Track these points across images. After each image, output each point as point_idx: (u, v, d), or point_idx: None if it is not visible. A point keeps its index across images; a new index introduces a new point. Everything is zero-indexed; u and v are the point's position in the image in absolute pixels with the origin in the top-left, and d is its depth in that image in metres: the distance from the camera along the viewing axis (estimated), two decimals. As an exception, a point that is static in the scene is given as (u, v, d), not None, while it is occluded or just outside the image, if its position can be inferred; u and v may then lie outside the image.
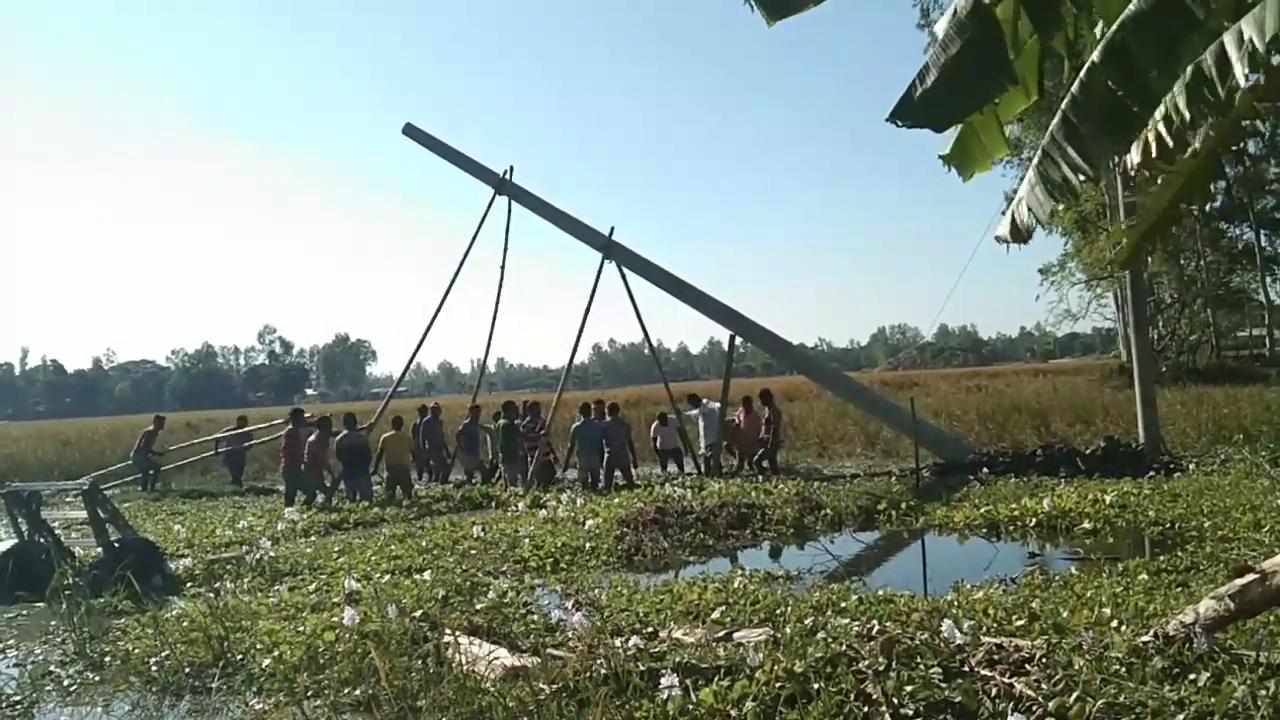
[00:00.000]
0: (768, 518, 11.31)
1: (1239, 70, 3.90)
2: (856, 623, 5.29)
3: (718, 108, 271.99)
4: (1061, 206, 4.89)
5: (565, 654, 5.21)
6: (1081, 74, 4.53)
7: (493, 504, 14.78)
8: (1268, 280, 42.37)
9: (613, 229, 18.86)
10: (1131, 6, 4.32)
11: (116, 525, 9.61)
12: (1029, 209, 4.90)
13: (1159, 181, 5.43)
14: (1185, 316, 39.80)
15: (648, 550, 9.93)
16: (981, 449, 16.13)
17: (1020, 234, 5.05)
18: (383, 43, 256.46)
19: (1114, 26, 4.40)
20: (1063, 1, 4.73)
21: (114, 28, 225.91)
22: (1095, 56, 4.48)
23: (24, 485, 10.55)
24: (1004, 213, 5.27)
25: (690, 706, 4.20)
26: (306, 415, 18.24)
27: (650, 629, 6.13)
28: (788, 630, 5.19)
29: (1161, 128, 4.24)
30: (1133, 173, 4.66)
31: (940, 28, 5.21)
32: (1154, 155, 4.30)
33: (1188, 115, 4.11)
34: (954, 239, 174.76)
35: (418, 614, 6.29)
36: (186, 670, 6.06)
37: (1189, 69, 4.13)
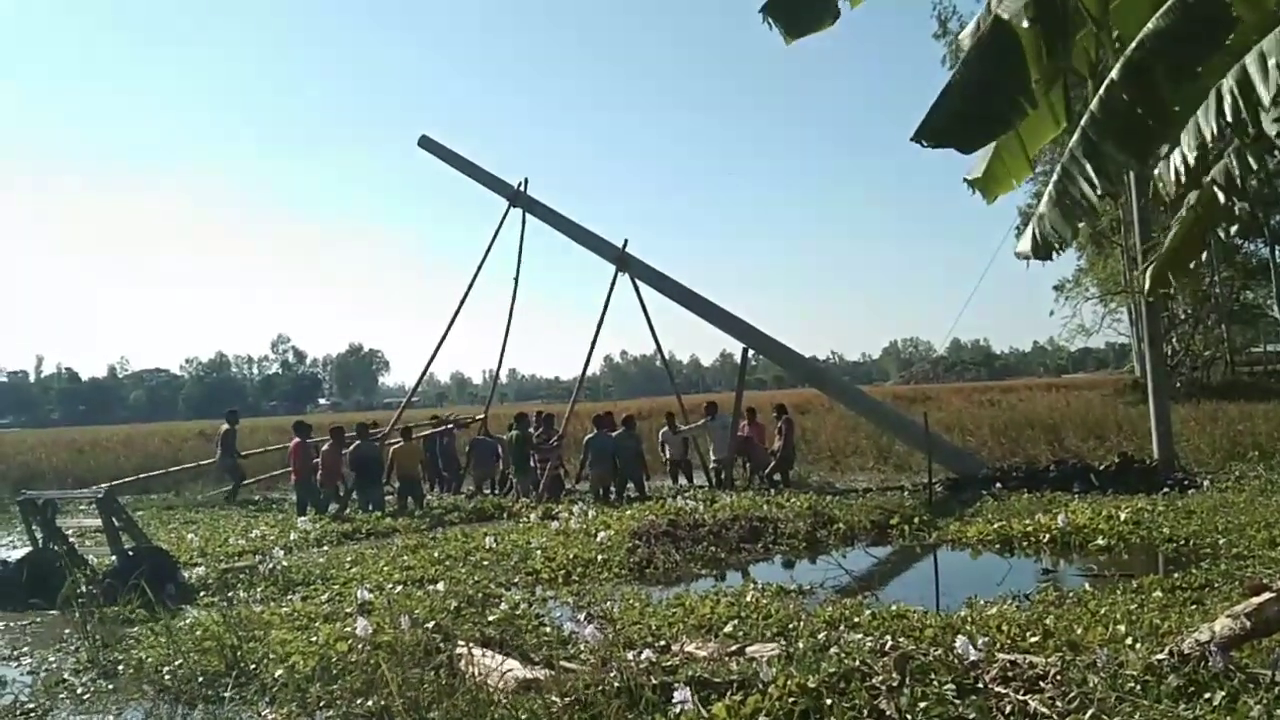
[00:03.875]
0: (780, 531, 11.29)
1: (1262, 90, 3.89)
2: (870, 638, 5.26)
3: (733, 123, 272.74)
4: (1083, 223, 4.84)
5: (578, 667, 5.21)
6: (1101, 91, 4.53)
7: (505, 515, 14.79)
8: (1282, 296, 42.23)
9: (626, 241, 18.91)
10: (1150, 24, 4.32)
11: (131, 534, 9.66)
12: (1052, 226, 4.90)
13: (1188, 204, 5.41)
14: (1199, 332, 39.62)
15: (660, 563, 9.91)
16: (994, 464, 16.08)
17: (1043, 251, 5.05)
18: (398, 58, 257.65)
19: (1133, 44, 4.41)
20: (1076, 18, 4.72)
21: (141, 29, 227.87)
22: (1114, 74, 4.49)
23: (39, 493, 10.62)
24: (1018, 228, 5.30)
25: (703, 721, 4.19)
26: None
27: (663, 642, 6.10)
28: (801, 645, 5.16)
29: (1188, 152, 4.23)
30: (1167, 197, 4.65)
31: (965, 46, 5.21)
32: (1183, 180, 4.30)
33: (1209, 137, 4.10)
34: (967, 253, 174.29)
35: (430, 625, 6.30)
36: (199, 679, 6.07)
37: (1213, 91, 4.12)
